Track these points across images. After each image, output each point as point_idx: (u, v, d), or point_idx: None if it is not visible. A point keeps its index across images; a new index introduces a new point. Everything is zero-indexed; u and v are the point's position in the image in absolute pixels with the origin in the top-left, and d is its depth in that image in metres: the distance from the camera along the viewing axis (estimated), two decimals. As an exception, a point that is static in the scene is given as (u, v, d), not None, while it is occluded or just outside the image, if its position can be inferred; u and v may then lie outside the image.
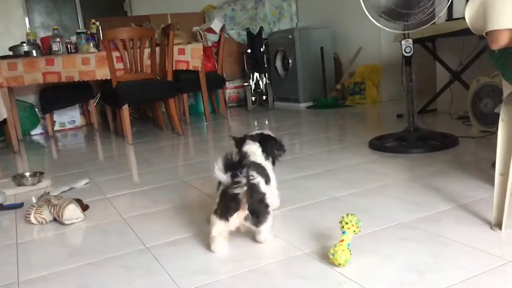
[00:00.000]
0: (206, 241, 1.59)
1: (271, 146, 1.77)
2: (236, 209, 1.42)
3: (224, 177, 1.37)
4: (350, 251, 1.30)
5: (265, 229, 1.49)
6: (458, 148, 2.64)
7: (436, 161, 2.39)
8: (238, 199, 1.40)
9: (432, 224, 1.57)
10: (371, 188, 2.04)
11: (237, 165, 1.36)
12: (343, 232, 1.33)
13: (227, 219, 1.43)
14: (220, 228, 1.46)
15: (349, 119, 4.25)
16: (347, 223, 1.33)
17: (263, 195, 1.47)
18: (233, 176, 1.36)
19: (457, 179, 2.05)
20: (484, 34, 1.44)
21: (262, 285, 1.27)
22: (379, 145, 2.78)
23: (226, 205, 1.42)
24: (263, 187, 1.50)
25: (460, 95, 3.48)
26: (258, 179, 1.49)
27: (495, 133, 1.48)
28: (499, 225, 1.46)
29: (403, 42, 2.66)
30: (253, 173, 1.45)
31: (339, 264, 1.29)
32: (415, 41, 2.75)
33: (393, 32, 2.79)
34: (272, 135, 1.83)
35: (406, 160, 2.48)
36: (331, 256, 1.30)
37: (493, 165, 1.48)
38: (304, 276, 1.29)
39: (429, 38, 3.53)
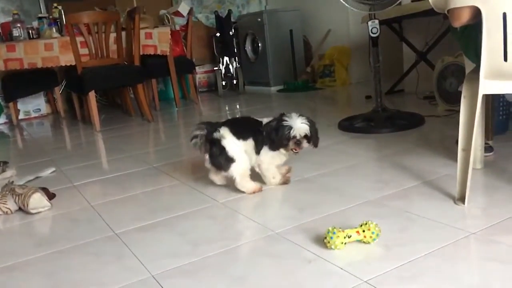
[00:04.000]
0: (176, 226, 1.58)
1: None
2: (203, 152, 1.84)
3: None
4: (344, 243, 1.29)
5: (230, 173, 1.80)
6: (424, 127, 2.70)
7: (403, 140, 2.44)
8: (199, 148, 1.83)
9: (399, 200, 1.61)
10: (341, 168, 2.07)
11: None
12: (358, 239, 1.30)
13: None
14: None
15: (319, 102, 4.27)
16: (369, 230, 1.29)
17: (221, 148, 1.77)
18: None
19: (423, 157, 2.10)
20: (446, 12, 1.46)
21: (233, 265, 1.27)
22: (348, 126, 2.82)
23: None
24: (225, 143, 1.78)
25: (426, 75, 3.55)
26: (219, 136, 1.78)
27: (459, 112, 1.51)
28: (462, 199, 1.50)
29: (369, 23, 2.68)
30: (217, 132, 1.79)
31: (333, 247, 1.28)
32: (381, 22, 2.78)
33: (361, 13, 2.80)
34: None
35: (375, 140, 2.52)
36: (333, 236, 1.27)
37: (457, 142, 1.52)
38: (275, 255, 1.31)
39: (396, 19, 3.57)
